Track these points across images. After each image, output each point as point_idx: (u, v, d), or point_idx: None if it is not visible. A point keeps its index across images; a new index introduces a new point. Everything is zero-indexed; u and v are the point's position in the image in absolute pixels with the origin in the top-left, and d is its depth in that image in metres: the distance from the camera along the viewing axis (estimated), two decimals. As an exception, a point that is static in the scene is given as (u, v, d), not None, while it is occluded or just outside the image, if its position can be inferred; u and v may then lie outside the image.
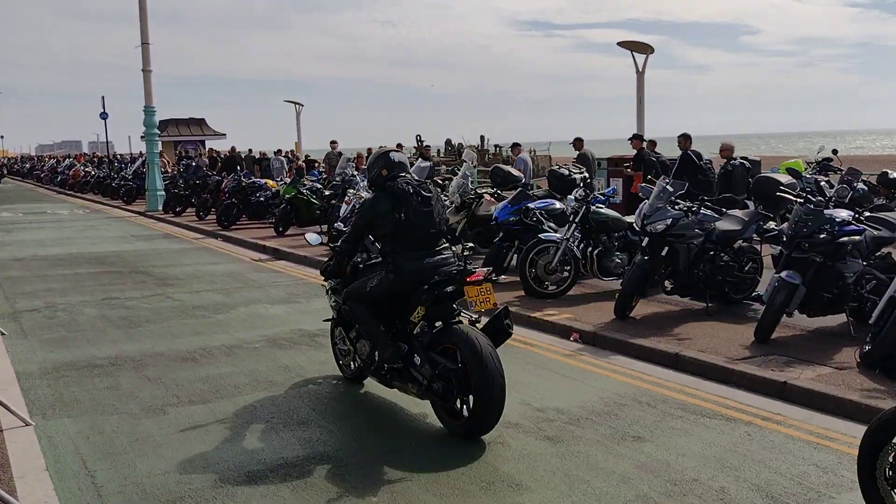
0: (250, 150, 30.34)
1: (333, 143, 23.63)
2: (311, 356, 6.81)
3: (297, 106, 38.04)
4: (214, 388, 5.90)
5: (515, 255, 9.58)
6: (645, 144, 14.07)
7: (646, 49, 18.34)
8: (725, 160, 11.74)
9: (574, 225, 8.66)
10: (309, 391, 5.89)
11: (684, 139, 12.54)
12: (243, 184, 18.12)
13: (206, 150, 37.61)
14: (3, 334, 7.56)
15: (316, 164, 26.25)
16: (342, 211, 13.34)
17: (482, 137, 57.67)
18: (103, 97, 35.90)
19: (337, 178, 15.38)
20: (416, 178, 5.47)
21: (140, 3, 22.16)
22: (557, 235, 8.75)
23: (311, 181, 17.06)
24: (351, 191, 13.48)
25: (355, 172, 14.34)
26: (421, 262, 5.00)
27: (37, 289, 10.35)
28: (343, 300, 5.50)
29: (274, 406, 5.51)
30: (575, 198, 8.71)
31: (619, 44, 18.60)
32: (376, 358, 5.12)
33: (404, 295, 5.02)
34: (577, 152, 15.53)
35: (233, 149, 30.79)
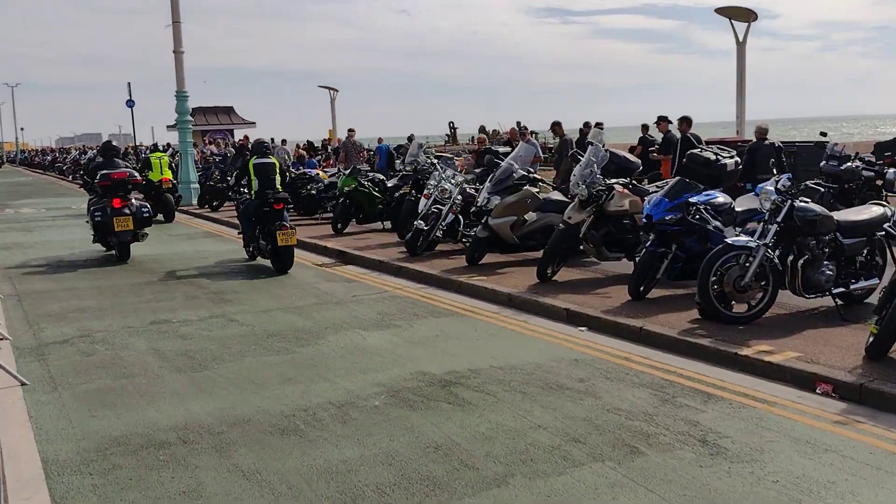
0: (272, 140, 28.33)
1: (351, 131, 21.82)
2: (463, 424, 4.72)
3: (331, 91, 36.06)
4: (350, 495, 3.82)
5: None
6: (669, 126, 13.64)
7: (748, 16, 16.04)
8: (756, 140, 12.24)
9: (775, 226, 6.50)
10: (499, 499, 3.80)
11: (683, 123, 12.83)
12: (292, 175, 16.07)
13: (237, 139, 35.73)
14: (24, 384, 5.54)
15: (313, 152, 24.32)
16: (421, 206, 11.27)
17: (518, 124, 55.54)
18: (129, 84, 34.09)
19: (407, 168, 13.27)
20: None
21: (170, -24, 20.19)
22: (750, 240, 6.59)
23: (366, 171, 14.96)
24: (431, 182, 11.39)
25: (434, 160, 12.20)
26: None
27: (66, 308, 8.36)
28: None
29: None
30: (778, 189, 6.54)
31: (718, 10, 16.31)
32: None
33: None
34: (559, 138, 15.10)
35: (245, 138, 28.84)
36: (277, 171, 11.13)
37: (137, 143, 39.48)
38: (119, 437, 4.55)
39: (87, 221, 12.37)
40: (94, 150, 40.25)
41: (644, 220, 7.82)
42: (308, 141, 33.33)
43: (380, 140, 24.43)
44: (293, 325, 7.41)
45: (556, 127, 15.53)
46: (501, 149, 13.96)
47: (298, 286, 9.56)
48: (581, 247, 9.10)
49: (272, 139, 27.49)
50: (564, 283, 8.68)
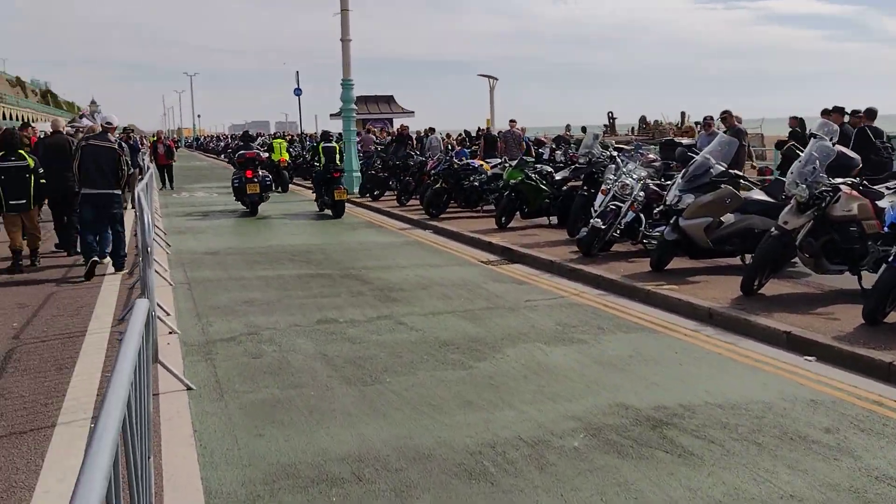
0: (430, 129, 27.94)
1: (512, 121, 21.05)
2: (690, 484, 3.80)
3: (490, 80, 35.44)
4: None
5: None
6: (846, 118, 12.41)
7: None
8: None
9: None
10: None
11: (863, 115, 12.05)
12: (455, 166, 15.53)
13: (393, 127, 36.03)
14: (190, 389, 5.18)
15: (469, 142, 23.75)
16: (598, 202, 10.30)
17: (682, 114, 52.62)
18: (297, 73, 35.02)
19: (581, 160, 12.31)
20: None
21: (339, -35, 20.27)
22: None
23: (530, 162, 14.10)
24: (610, 177, 10.40)
25: (614, 153, 11.18)
26: None
27: (234, 300, 8.15)
28: None
29: None
30: None
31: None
32: None
33: None
34: (729, 128, 13.11)
35: (403, 126, 28.81)
36: (337, 152, 17.27)
37: (301, 132, 40.74)
38: (288, 465, 4.01)
39: (230, 186, 17.84)
40: (263, 137, 42.06)
41: (886, 228, 6.49)
42: (465, 130, 32.99)
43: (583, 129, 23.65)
44: (466, 333, 6.73)
45: (727, 117, 14.03)
46: (685, 140, 12.69)
47: (465, 285, 8.92)
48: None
49: (429, 128, 27.29)
50: (774, 297, 7.46)
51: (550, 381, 5.42)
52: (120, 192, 9.98)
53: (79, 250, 10.35)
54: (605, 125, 50.13)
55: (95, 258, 9.56)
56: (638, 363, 5.86)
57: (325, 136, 18.57)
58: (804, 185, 7.26)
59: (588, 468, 3.98)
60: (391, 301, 8.07)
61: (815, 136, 7.53)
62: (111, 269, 9.92)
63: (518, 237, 12.09)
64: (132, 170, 10.12)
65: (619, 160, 10.55)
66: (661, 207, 9.49)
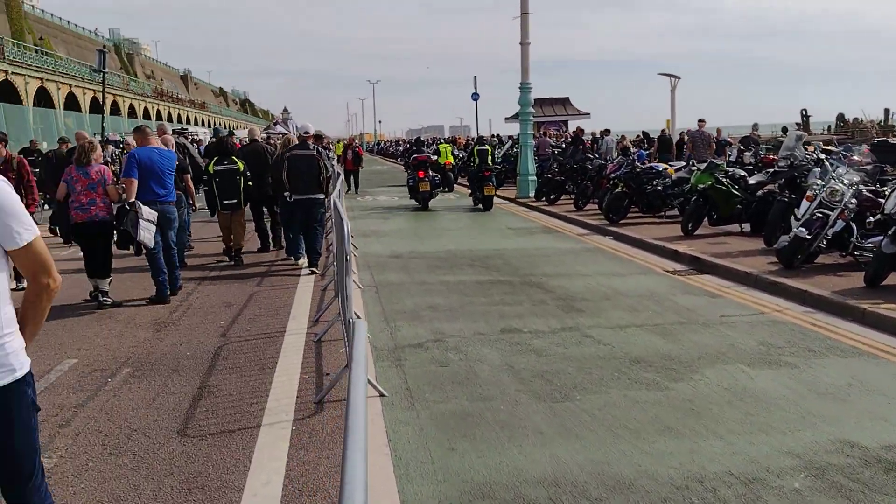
0: (606, 131, 27.12)
1: (701, 121, 19.96)
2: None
3: (671, 79, 34.00)
4: None
5: None
6: None
7: None
8: None
9: None
10: None
11: None
12: (637, 169, 14.97)
13: (569, 129, 35.63)
14: (383, 395, 5.25)
15: (648, 144, 23.08)
16: (802, 210, 9.46)
17: (886, 111, 47.84)
18: (475, 77, 35.41)
19: (781, 163, 11.41)
20: None
21: (519, -33, 20.28)
22: None
23: (730, 167, 13.27)
24: (816, 182, 9.52)
25: (821, 155, 10.25)
26: None
27: (418, 305, 8.27)
28: None
29: None
30: None
31: None
32: None
33: None
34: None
35: (578, 129, 28.30)
36: (490, 154, 19.71)
37: (476, 135, 41.28)
38: (482, 484, 3.92)
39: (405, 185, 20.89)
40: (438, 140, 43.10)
41: None
42: (643, 132, 31.92)
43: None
44: (658, 350, 6.37)
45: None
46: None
47: (652, 297, 8.50)
48: None
49: (604, 130, 26.64)
50: None
51: (758, 408, 4.97)
52: (323, 196, 10.63)
53: (285, 251, 11.49)
54: (797, 124, 46.61)
55: (302, 258, 10.79)
56: (859, 393, 5.25)
57: (480, 140, 22.82)
58: None
59: (814, 515, 3.56)
60: (575, 311, 7.83)
61: None
62: (305, 270, 10.46)
63: (707, 245, 11.40)
64: (332, 172, 10.90)
65: (826, 163, 9.63)
66: (878, 216, 8.54)
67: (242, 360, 6.29)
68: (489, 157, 19.40)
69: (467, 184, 22.12)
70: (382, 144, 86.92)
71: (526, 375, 5.74)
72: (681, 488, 3.84)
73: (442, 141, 31.93)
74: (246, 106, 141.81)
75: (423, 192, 19.18)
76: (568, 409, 5.02)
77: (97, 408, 5.20)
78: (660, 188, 14.73)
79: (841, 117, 48.92)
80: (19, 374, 2.57)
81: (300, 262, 10.83)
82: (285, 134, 15.11)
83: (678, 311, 7.84)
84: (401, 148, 59.78)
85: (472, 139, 38.43)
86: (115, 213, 8.20)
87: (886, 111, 46.45)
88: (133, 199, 8.23)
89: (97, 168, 8.25)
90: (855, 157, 10.51)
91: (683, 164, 15.89)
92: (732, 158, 16.81)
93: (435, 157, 23.55)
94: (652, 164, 15.36)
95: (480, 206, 18.78)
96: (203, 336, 7.09)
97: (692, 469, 4.06)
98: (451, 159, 25.90)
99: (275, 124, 24.72)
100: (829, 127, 49.80)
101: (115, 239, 8.42)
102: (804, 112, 48.47)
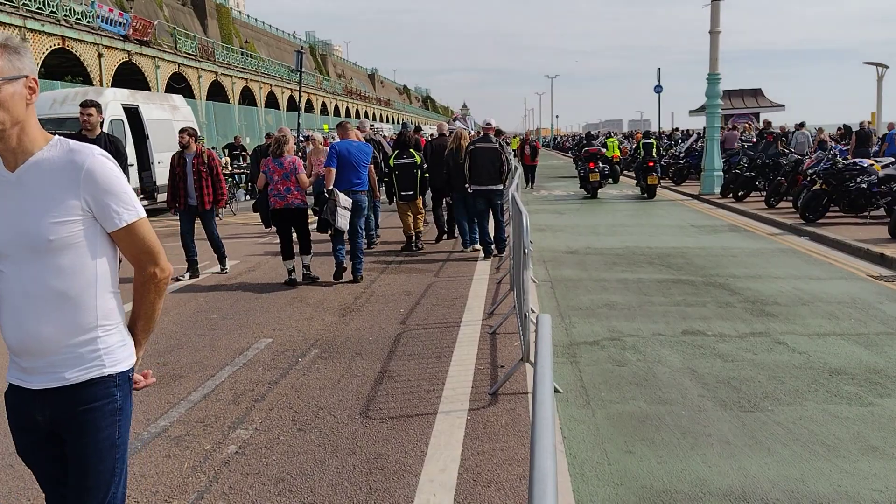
0: (801, 124, 24.95)
1: None
2: None
3: (878, 69, 30.95)
4: None
5: None
6: None
7: None
8: None
9: None
10: None
11: None
12: (839, 165, 13.75)
13: (759, 122, 33.52)
14: (557, 392, 5.19)
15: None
16: None
17: None
18: (658, 69, 34.24)
19: None
20: None
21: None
22: None
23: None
24: None
25: None
26: None
27: (595, 302, 8.10)
28: None
29: None
30: None
31: None
32: None
33: None
34: None
35: (766, 122, 26.29)
36: (654, 147, 21.17)
37: (658, 129, 39.87)
38: (662, 491, 3.76)
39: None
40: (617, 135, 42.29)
41: None
42: (844, 125, 29.30)
43: (890, 126, 20.15)
44: (860, 362, 5.81)
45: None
46: None
47: (853, 303, 7.77)
48: None
49: (799, 123, 24.71)
50: None
51: None
52: (503, 187, 10.90)
53: (461, 242, 11.98)
54: None
55: (472, 246, 11.43)
56: None
57: (647, 134, 25.77)
58: None
59: None
60: (765, 316, 7.32)
61: None
62: (481, 263, 10.62)
63: (921, 250, 10.26)
64: (512, 165, 11.37)
65: None
66: None
67: (420, 347, 6.46)
68: (653, 150, 20.95)
69: (633, 174, 24.14)
70: (559, 139, 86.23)
71: (710, 381, 5.44)
72: (889, 518, 3.47)
73: (610, 135, 34.39)
74: (427, 103, 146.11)
75: (594, 182, 20.77)
76: (758, 419, 4.69)
77: (289, 385, 5.56)
78: (864, 186, 13.44)
79: None
80: (108, 371, 2.23)
81: (468, 249, 11.54)
82: (458, 132, 15.52)
83: (885, 320, 7.11)
84: (573, 142, 59.10)
85: (653, 134, 37.84)
86: (314, 199, 9.11)
87: None
88: (331, 188, 9.01)
89: (290, 159, 9.13)
90: None
91: (892, 160, 14.42)
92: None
93: (603, 150, 24.52)
94: (856, 160, 14.03)
95: (645, 194, 20.56)
96: (384, 322, 7.38)
97: (902, 496, 3.66)
98: (617, 153, 27.47)
99: (454, 120, 25.25)
100: None
101: (316, 226, 9.21)
102: None
